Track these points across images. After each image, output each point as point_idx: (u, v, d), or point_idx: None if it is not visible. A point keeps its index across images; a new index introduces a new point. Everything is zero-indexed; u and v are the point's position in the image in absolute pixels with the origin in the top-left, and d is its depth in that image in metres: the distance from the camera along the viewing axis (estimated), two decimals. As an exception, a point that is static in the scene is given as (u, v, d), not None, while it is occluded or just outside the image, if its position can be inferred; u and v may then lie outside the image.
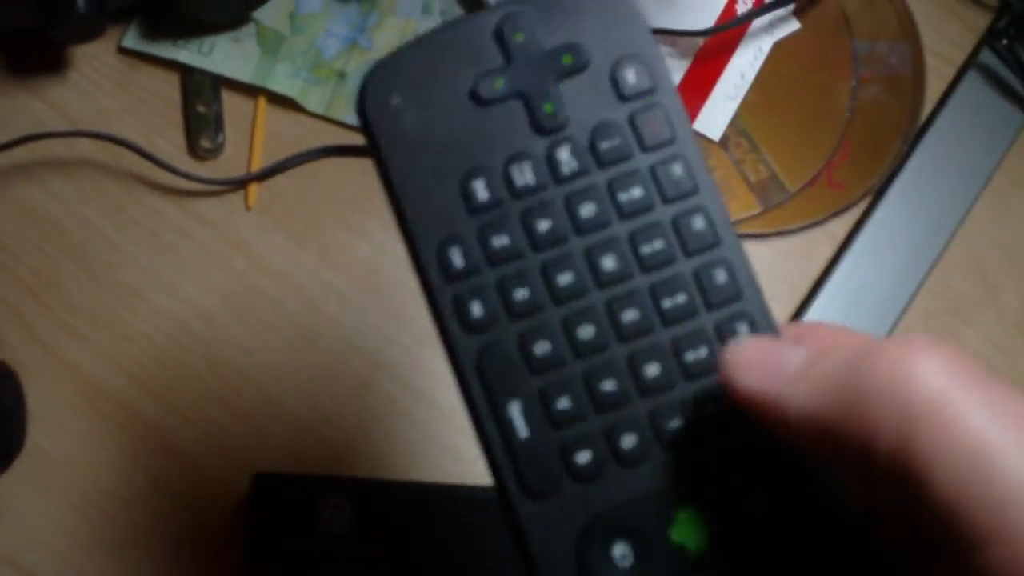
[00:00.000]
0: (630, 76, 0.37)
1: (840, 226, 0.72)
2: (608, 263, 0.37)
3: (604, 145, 0.37)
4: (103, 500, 0.66)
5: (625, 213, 0.37)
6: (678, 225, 0.37)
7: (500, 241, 0.36)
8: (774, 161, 0.72)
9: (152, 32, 0.72)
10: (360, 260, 0.70)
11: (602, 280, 0.37)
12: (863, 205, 0.73)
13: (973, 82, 0.75)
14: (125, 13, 0.72)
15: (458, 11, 0.73)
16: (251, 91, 0.73)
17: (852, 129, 0.73)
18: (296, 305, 0.69)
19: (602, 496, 0.35)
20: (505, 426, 0.36)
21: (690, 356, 0.36)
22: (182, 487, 0.67)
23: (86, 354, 0.69)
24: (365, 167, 0.73)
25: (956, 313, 0.71)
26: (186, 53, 0.72)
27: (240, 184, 0.70)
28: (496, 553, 0.63)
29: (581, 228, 0.37)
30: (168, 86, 0.73)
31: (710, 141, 0.73)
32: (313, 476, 0.65)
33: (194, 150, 0.71)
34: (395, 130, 0.37)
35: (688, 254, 0.37)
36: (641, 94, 0.37)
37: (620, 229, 0.37)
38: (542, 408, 0.36)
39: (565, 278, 0.36)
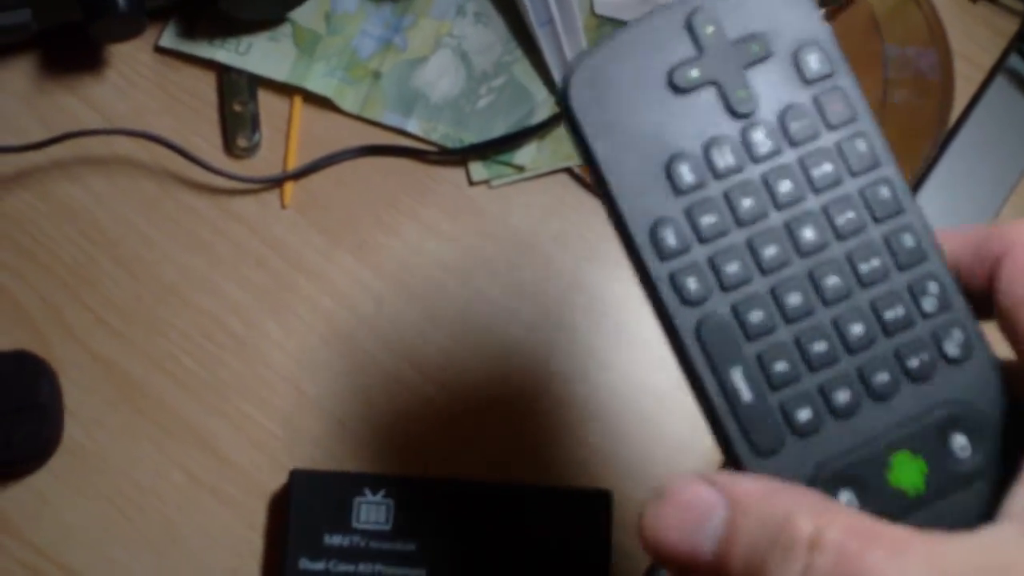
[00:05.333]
0: (812, 61, 0.40)
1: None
2: (807, 234, 0.39)
3: (794, 126, 0.40)
4: (139, 495, 0.66)
5: (818, 187, 0.40)
6: (866, 196, 0.40)
7: (708, 219, 0.39)
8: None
9: (189, 31, 0.73)
10: (395, 259, 0.70)
11: (803, 250, 0.39)
12: (894, 208, 0.72)
13: (1001, 87, 0.75)
14: (163, 12, 0.72)
15: (492, 12, 0.74)
16: (287, 90, 0.73)
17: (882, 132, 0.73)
18: (331, 303, 0.70)
19: (823, 448, 0.38)
20: (729, 392, 0.38)
21: (888, 314, 0.39)
22: (218, 483, 0.67)
23: (122, 350, 0.69)
24: (400, 167, 0.74)
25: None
26: (223, 52, 0.72)
27: (276, 183, 0.71)
28: (533, 548, 0.64)
29: (779, 203, 0.39)
30: (205, 85, 0.73)
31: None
32: (350, 473, 0.65)
33: (230, 149, 0.71)
34: (599, 121, 0.39)
35: (877, 221, 0.40)
36: (822, 78, 0.40)
37: (814, 202, 0.40)
38: (761, 372, 0.38)
39: (770, 250, 0.39)
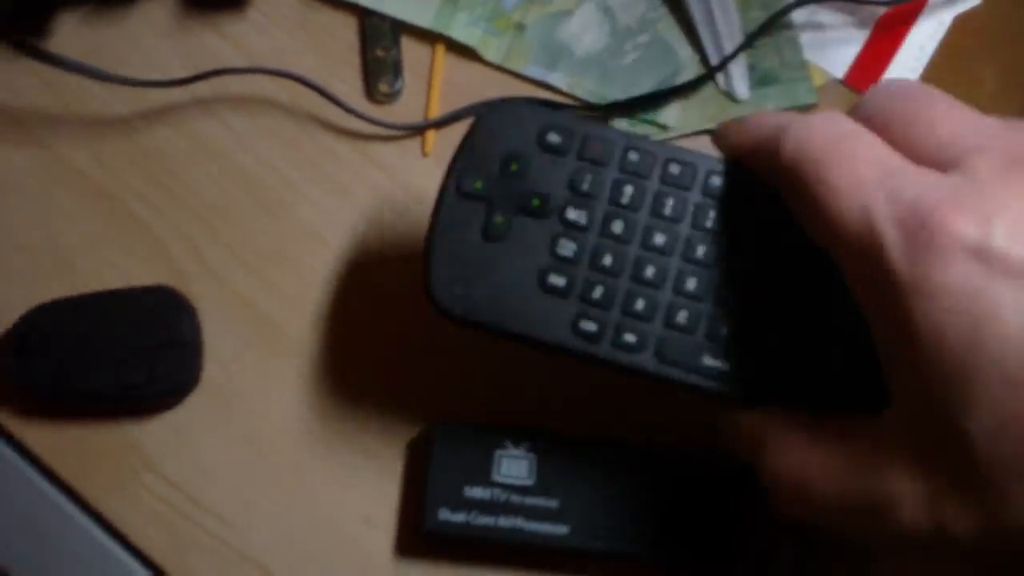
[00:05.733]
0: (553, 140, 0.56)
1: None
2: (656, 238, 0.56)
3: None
4: (275, 437, 0.66)
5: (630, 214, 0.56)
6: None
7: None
8: (947, 136, 0.71)
9: (334, -27, 0.71)
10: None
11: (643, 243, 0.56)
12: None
13: None
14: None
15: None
16: (429, 37, 0.73)
17: (1028, 106, 0.72)
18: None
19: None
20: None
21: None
22: (354, 430, 0.68)
23: (261, 290, 0.70)
24: (542, 120, 0.70)
25: None
26: (368, -4, 0.71)
27: (418, 130, 0.70)
28: (679, 513, 0.64)
29: (617, 236, 0.57)
30: (346, 28, 0.72)
31: (885, 113, 0.71)
32: (494, 426, 0.64)
33: (371, 94, 0.71)
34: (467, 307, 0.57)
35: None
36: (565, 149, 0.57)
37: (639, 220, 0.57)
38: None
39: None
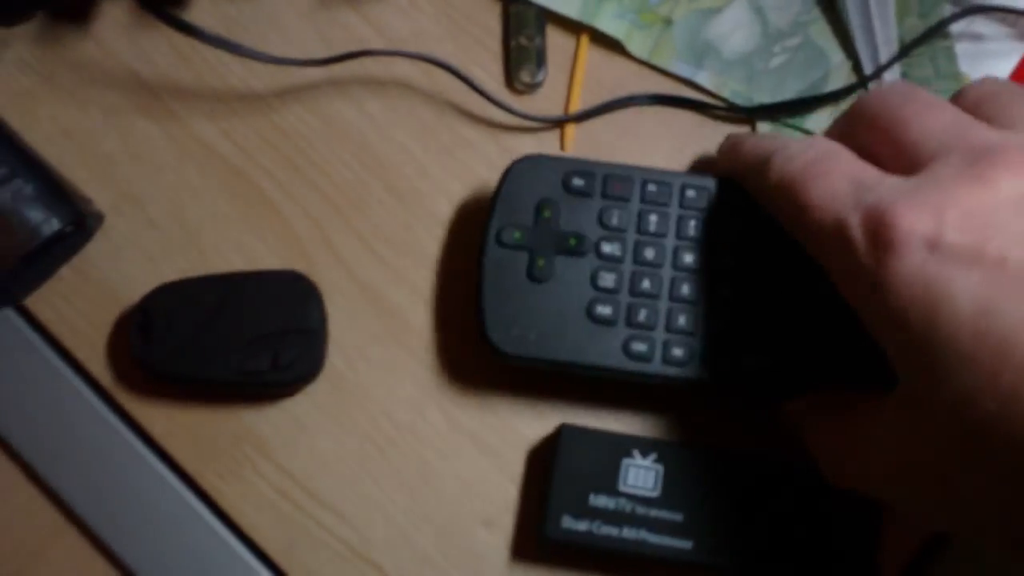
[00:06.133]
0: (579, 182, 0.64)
1: None
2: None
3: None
4: (395, 432, 0.65)
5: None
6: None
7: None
8: (1104, 159, 0.68)
9: (480, -43, 0.69)
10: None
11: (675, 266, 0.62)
12: None
13: None
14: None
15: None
16: (573, 28, 0.71)
17: None
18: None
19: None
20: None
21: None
22: (478, 428, 0.66)
23: (389, 281, 0.68)
24: (685, 120, 0.72)
25: None
26: (514, -18, 0.69)
27: (557, 123, 0.68)
28: (811, 535, 0.62)
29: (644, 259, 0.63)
30: (489, 14, 0.71)
31: (1041, 131, 0.68)
32: (620, 434, 0.63)
33: (512, 83, 0.69)
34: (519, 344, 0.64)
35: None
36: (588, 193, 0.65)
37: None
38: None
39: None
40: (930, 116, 0.50)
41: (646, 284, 0.61)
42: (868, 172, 0.50)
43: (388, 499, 0.64)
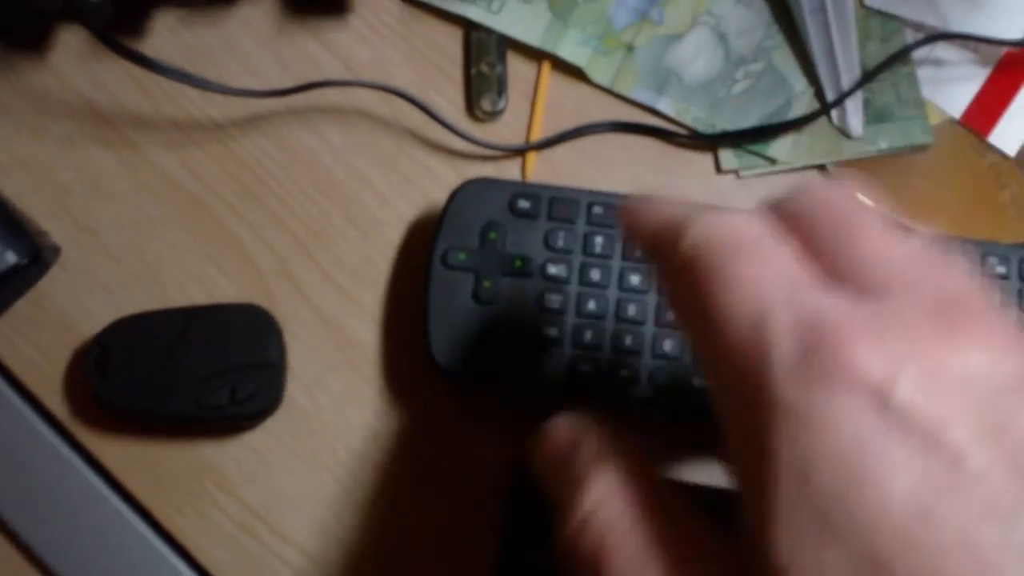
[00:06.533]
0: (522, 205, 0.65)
1: None
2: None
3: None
4: (356, 464, 0.65)
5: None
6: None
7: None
8: (1068, 183, 0.68)
9: (441, -17, 0.69)
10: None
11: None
12: None
13: None
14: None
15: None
16: (534, 55, 0.71)
17: None
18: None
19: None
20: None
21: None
22: (439, 462, 0.66)
23: (349, 310, 0.68)
24: (646, 147, 0.71)
25: None
26: (475, 9, 0.69)
27: (518, 152, 0.67)
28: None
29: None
30: (450, 41, 0.70)
31: (1004, 156, 0.68)
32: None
33: (473, 111, 0.69)
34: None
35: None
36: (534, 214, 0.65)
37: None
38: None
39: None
40: (892, 238, 0.38)
41: (592, 305, 0.62)
42: (812, 278, 0.37)
43: (349, 532, 0.64)
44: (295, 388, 0.65)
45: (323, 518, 0.64)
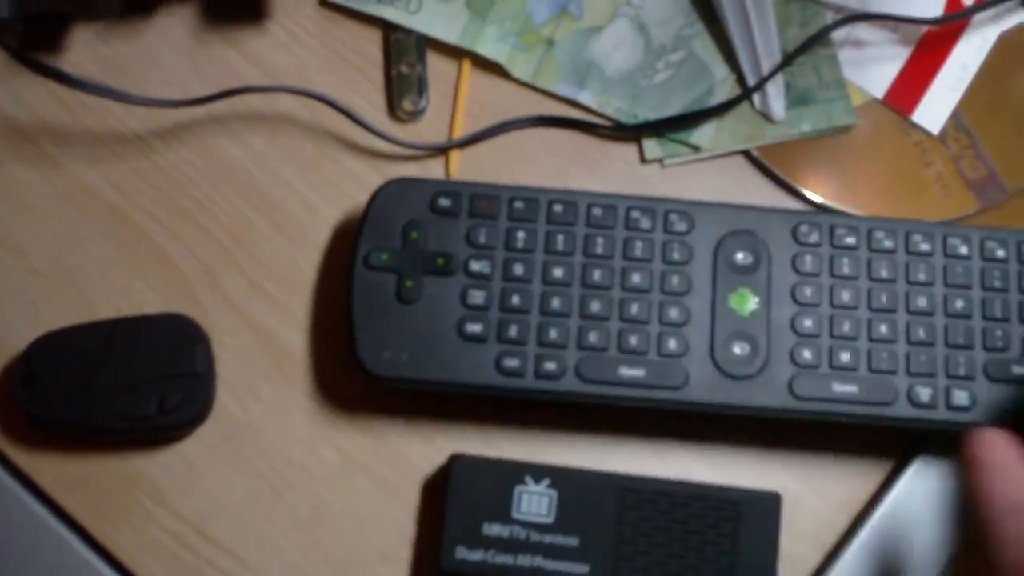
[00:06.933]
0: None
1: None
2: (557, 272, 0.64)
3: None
4: (289, 470, 0.65)
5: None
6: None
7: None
8: (993, 158, 0.69)
9: (358, -14, 0.69)
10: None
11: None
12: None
13: None
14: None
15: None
16: (455, 54, 0.71)
17: (1075, 129, 0.69)
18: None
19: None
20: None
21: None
22: (372, 463, 0.66)
23: (277, 317, 0.68)
24: (570, 140, 0.71)
25: None
26: (393, 10, 0.69)
27: (441, 151, 0.67)
28: (699, 549, 0.62)
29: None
30: (370, 44, 0.71)
31: (928, 134, 0.68)
32: (512, 461, 0.62)
33: (394, 112, 0.69)
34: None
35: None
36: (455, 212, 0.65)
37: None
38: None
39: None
40: None
41: (516, 300, 0.62)
42: None
43: (284, 539, 0.64)
44: (226, 396, 0.65)
45: (258, 525, 0.64)
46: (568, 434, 0.66)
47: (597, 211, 0.65)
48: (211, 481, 0.64)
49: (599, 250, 0.63)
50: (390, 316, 0.62)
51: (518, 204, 0.65)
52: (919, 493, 0.64)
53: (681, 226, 0.62)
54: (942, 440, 0.65)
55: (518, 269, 0.62)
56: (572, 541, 0.61)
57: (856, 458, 0.66)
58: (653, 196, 0.66)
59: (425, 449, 0.66)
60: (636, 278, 0.63)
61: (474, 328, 0.62)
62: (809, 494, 0.66)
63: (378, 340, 0.61)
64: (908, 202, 0.68)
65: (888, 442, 0.66)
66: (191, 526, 0.63)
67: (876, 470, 0.65)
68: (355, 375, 0.64)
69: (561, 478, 0.62)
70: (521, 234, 0.63)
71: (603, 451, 0.66)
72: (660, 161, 0.69)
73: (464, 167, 0.68)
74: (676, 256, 0.63)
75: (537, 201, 0.64)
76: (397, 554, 0.64)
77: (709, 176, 0.69)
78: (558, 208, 0.65)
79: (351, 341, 0.62)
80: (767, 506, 0.63)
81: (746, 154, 0.69)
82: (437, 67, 0.71)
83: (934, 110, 0.70)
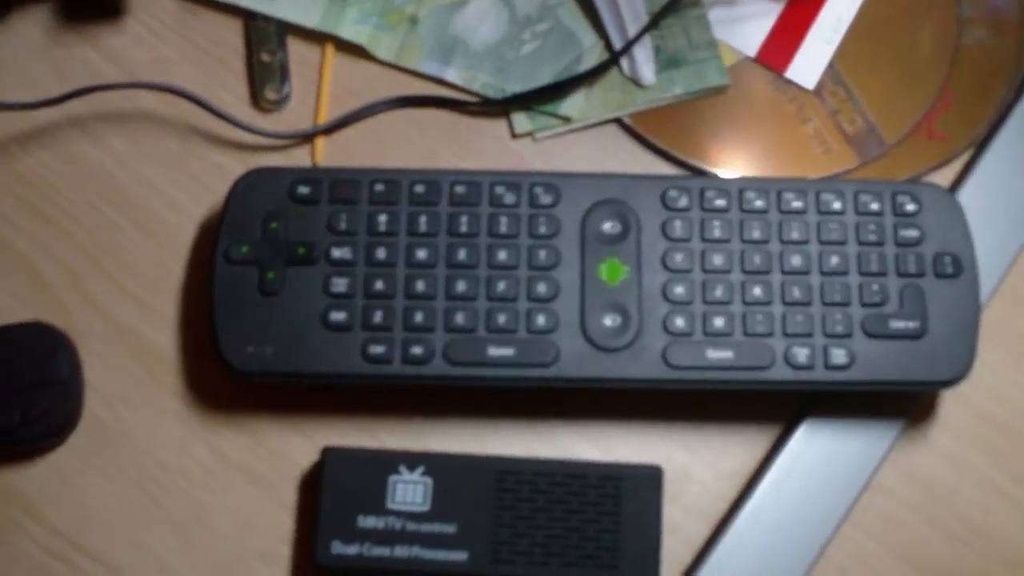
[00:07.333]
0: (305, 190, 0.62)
1: (942, 179, 0.67)
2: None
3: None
4: (163, 474, 0.64)
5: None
6: None
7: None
8: (871, 111, 0.68)
9: (213, -24, 0.67)
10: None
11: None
12: (965, 157, 0.67)
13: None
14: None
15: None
16: (318, 38, 0.70)
17: (954, 76, 0.68)
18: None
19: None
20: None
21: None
22: (247, 461, 0.64)
23: (145, 319, 0.66)
24: (439, 119, 0.70)
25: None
26: (250, -2, 0.67)
27: (307, 137, 0.66)
28: (581, 528, 0.61)
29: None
30: (231, 33, 0.69)
31: (804, 90, 0.67)
32: (386, 451, 0.62)
33: (258, 102, 0.67)
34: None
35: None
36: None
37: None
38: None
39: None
40: None
41: (380, 285, 0.61)
42: None
43: (161, 544, 0.63)
44: (95, 403, 0.64)
45: (134, 532, 0.63)
46: (448, 420, 0.64)
47: (460, 189, 0.63)
48: (84, 491, 0.62)
49: (464, 229, 0.62)
50: (253, 310, 0.60)
51: (379, 187, 0.63)
52: (808, 457, 0.63)
53: (547, 199, 0.60)
54: (829, 403, 0.64)
55: (381, 253, 0.61)
56: (449, 528, 0.60)
57: (743, 426, 0.65)
58: (518, 171, 0.65)
59: (302, 444, 0.64)
60: (502, 255, 0.62)
61: (338, 316, 0.60)
62: (696, 466, 0.64)
63: (241, 335, 0.60)
64: (787, 161, 0.67)
65: (775, 408, 0.65)
66: (65, 538, 0.62)
67: (763, 437, 0.63)
68: (224, 371, 0.62)
69: (436, 465, 0.61)
70: (383, 217, 0.62)
71: (485, 435, 0.64)
72: (531, 135, 0.67)
73: (333, 154, 0.66)
74: (543, 230, 0.60)
75: (398, 183, 0.63)
76: (277, 552, 0.63)
77: (583, 147, 0.67)
78: (420, 189, 0.63)
79: (214, 339, 0.61)
80: (648, 480, 0.62)
81: (620, 122, 0.67)
82: (300, 53, 0.69)
83: (809, 65, 0.69)
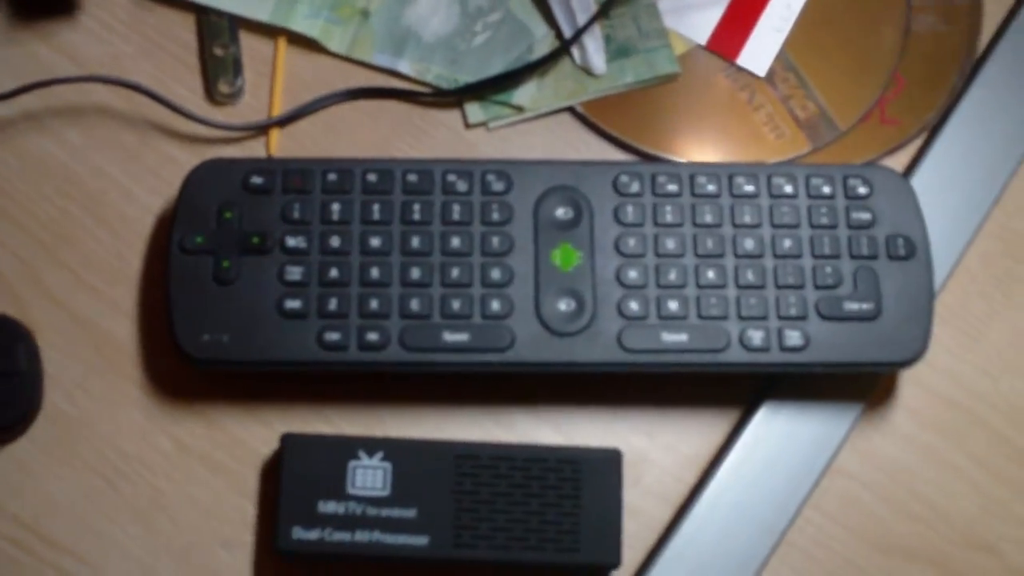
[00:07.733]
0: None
1: (895, 164, 0.68)
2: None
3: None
4: (125, 463, 0.64)
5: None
6: None
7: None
8: (823, 97, 0.69)
9: (166, -29, 0.68)
10: (389, 208, 0.66)
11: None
12: (918, 142, 0.68)
13: (1031, 11, 0.71)
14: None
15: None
16: (270, 32, 0.70)
17: (905, 62, 0.69)
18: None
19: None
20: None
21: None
22: (208, 449, 0.65)
23: (104, 311, 0.66)
24: (392, 110, 0.70)
25: (1016, 257, 0.66)
26: (202, -8, 0.67)
27: (261, 130, 0.67)
28: (541, 512, 0.61)
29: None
30: (184, 29, 0.70)
31: (755, 76, 0.68)
32: (346, 436, 0.62)
33: (212, 95, 0.68)
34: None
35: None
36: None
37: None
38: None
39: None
40: None
41: (334, 273, 0.61)
42: None
43: (123, 533, 0.63)
44: (55, 394, 0.64)
45: (96, 521, 0.63)
46: (408, 406, 0.65)
47: (413, 177, 0.64)
48: (45, 481, 0.63)
49: (417, 216, 0.63)
50: (208, 299, 0.61)
51: (332, 176, 0.63)
52: (768, 440, 0.64)
53: (499, 186, 0.61)
54: (789, 386, 0.65)
55: (335, 242, 0.62)
56: (409, 513, 0.60)
57: (703, 409, 0.65)
58: (470, 159, 0.65)
59: (262, 432, 0.65)
60: (456, 242, 0.62)
61: (293, 304, 0.61)
62: (656, 449, 0.65)
63: (197, 324, 0.60)
64: (740, 147, 0.68)
65: (734, 391, 0.66)
66: (27, 528, 0.62)
67: (723, 420, 0.64)
68: (182, 360, 0.63)
69: (395, 450, 0.61)
70: (336, 206, 0.63)
71: (444, 420, 0.65)
72: (484, 125, 0.68)
73: (288, 145, 0.67)
74: (495, 217, 0.61)
75: (351, 172, 0.63)
76: (239, 539, 0.63)
77: (537, 137, 0.68)
78: (372, 177, 0.64)
79: (170, 329, 0.62)
80: (607, 464, 0.62)
81: (573, 111, 0.68)
82: (254, 47, 0.70)
83: (760, 52, 0.70)
